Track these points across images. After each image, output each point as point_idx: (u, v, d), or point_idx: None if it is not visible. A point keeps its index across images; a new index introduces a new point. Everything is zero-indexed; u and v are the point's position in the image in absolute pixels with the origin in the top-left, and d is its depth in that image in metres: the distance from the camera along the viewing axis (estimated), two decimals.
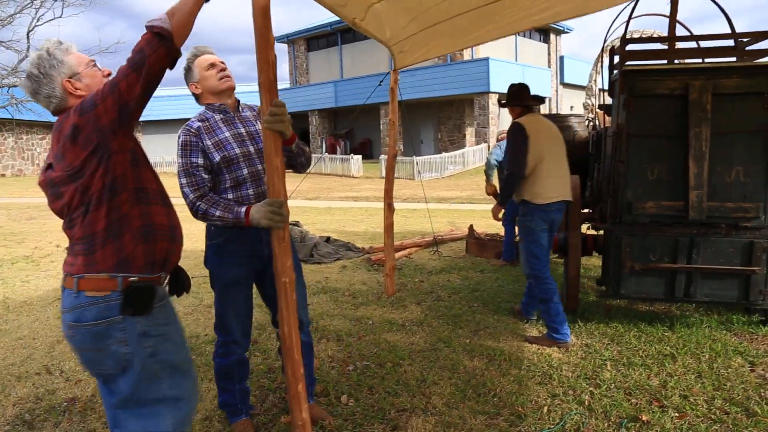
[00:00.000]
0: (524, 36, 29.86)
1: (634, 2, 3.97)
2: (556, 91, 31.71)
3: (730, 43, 4.33)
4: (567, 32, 32.66)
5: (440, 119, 28.43)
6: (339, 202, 14.61)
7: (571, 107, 31.89)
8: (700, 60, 4.49)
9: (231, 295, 2.54)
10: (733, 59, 4.07)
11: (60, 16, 22.61)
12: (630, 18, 3.96)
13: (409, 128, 28.79)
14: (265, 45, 1.90)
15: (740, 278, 3.79)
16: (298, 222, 7.87)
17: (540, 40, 31.38)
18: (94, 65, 1.85)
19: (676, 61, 4.54)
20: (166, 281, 1.95)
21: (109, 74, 1.85)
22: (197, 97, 2.52)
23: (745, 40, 4.09)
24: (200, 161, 2.36)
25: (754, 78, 3.65)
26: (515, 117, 4.02)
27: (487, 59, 24.20)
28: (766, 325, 4.02)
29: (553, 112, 30.68)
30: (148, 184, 1.82)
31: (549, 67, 31.12)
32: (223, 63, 2.48)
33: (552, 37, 31.76)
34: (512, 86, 4.08)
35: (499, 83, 24.23)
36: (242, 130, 2.48)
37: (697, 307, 4.53)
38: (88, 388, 3.30)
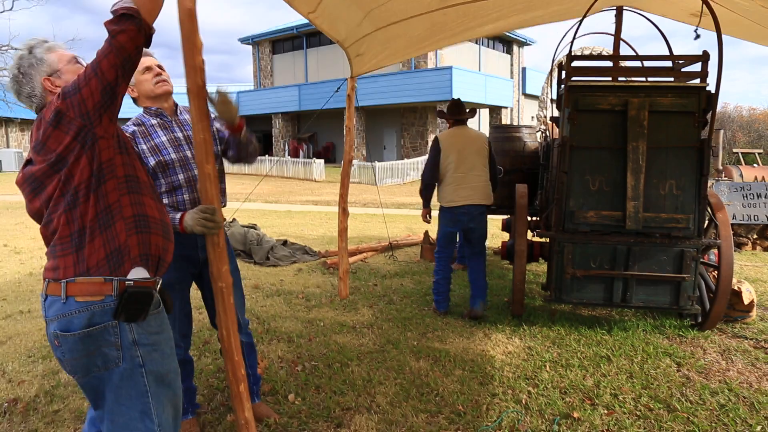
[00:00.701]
0: (488, 47, 30.46)
1: (578, 23, 4.17)
2: (518, 101, 32.42)
3: (669, 63, 4.58)
4: (529, 44, 33.45)
5: (403, 126, 28.72)
6: (299, 206, 14.60)
7: (532, 117, 32.62)
8: (643, 78, 4.74)
9: None
10: (671, 79, 4.31)
11: (11, 9, 21.67)
12: (575, 37, 4.15)
13: (372, 134, 28.95)
14: (191, 50, 1.88)
15: (672, 285, 4.02)
16: (255, 225, 7.87)
17: (503, 51, 32.05)
18: (77, 62, 1.80)
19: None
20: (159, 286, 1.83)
21: None
22: (135, 101, 2.50)
23: (681, 62, 4.34)
24: None
25: (686, 98, 3.89)
26: (449, 127, 4.78)
27: (450, 68, 24.61)
28: (695, 329, 4.27)
29: (515, 121, 31.36)
30: (139, 174, 1.76)
31: (511, 77, 31.82)
32: (159, 66, 2.45)
33: (515, 48, 32.48)
34: (450, 101, 4.76)
35: (462, 92, 24.65)
36: (179, 134, 2.48)
37: (634, 311, 4.76)
38: (31, 389, 3.26)
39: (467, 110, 4.74)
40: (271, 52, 33.50)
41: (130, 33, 1.54)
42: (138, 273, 1.70)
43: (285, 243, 7.41)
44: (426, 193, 4.78)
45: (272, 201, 15.90)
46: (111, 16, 1.57)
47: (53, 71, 1.74)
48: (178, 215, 2.26)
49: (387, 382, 3.35)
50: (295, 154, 29.35)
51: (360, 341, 4.07)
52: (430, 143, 27.58)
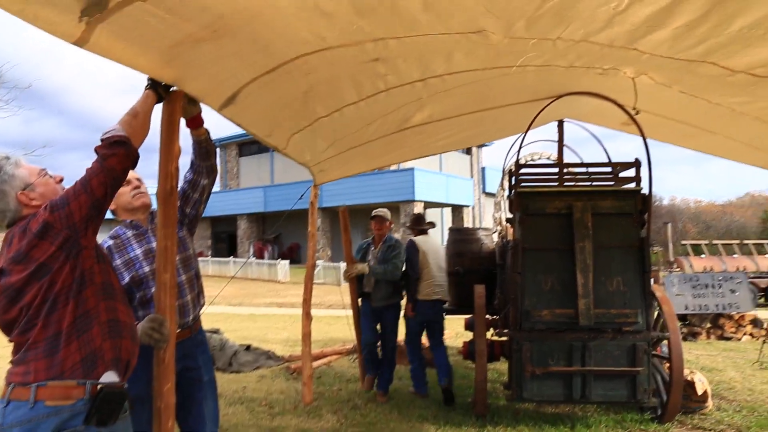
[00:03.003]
0: None
1: (523, 135, 4.57)
2: (479, 200, 33.52)
3: (609, 168, 4.98)
4: (488, 146, 35.17)
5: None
6: (263, 309, 14.41)
7: (493, 216, 33.62)
8: (585, 183, 5.11)
9: (134, 410, 2.52)
10: (612, 183, 4.67)
11: None
12: (521, 147, 4.54)
13: (337, 234, 29.25)
14: (168, 156, 2.03)
15: (627, 378, 4.13)
16: (218, 329, 7.75)
17: (463, 152, 33.51)
18: (46, 174, 1.87)
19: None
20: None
21: (62, 180, 1.90)
22: (113, 213, 2.51)
23: (618, 168, 4.74)
24: None
25: (623, 200, 4.22)
26: (414, 236, 5.59)
27: (412, 170, 25.48)
28: (655, 422, 4.33)
29: (477, 219, 32.26)
30: (113, 280, 1.84)
31: (472, 177, 33.07)
32: (138, 180, 2.52)
33: (474, 149, 34.03)
34: (412, 215, 5.64)
35: (424, 192, 25.44)
36: (153, 245, 2.45)
37: (597, 407, 4.81)
38: None
39: (427, 222, 5.61)
40: (238, 155, 34.29)
41: (119, 157, 1.73)
42: (110, 377, 1.73)
43: (248, 348, 7.28)
44: (414, 287, 5.28)
45: (236, 304, 15.64)
46: (101, 142, 1.75)
47: (26, 185, 1.79)
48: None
49: None
50: (260, 255, 29.23)
51: None
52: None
